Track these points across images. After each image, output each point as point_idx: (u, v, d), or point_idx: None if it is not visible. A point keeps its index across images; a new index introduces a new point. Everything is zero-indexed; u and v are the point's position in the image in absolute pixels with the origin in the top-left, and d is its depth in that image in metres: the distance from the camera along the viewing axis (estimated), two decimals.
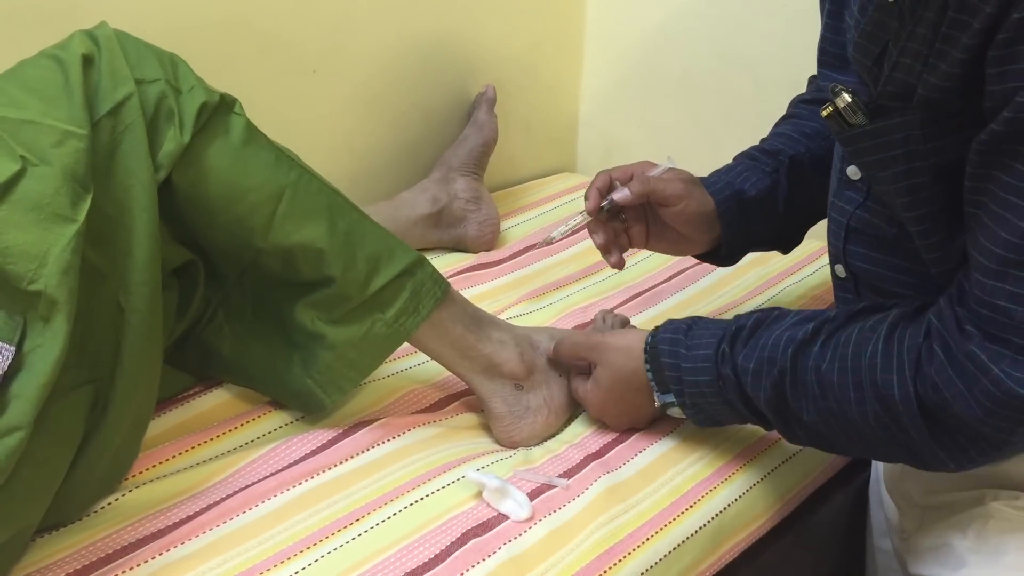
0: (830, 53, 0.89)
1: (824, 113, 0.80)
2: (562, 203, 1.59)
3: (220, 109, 0.86)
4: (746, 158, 1.06)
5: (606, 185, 1.02)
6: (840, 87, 0.78)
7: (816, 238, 1.36)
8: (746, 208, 1.02)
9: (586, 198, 1.02)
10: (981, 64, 0.67)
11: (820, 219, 1.05)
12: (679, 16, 1.59)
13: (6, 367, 0.71)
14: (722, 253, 1.06)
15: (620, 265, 1.03)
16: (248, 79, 1.22)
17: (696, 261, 1.14)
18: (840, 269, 0.93)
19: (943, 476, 0.90)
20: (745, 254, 1.09)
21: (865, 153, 0.79)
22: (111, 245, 0.80)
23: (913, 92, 0.73)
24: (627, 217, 1.03)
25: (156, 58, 0.85)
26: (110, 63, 0.82)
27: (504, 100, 1.54)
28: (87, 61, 0.81)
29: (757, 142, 1.10)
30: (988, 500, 0.87)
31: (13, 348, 0.72)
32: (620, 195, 1.00)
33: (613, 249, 1.03)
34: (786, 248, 1.12)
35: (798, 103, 1.11)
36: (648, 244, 1.05)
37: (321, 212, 0.90)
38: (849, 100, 0.78)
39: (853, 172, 0.87)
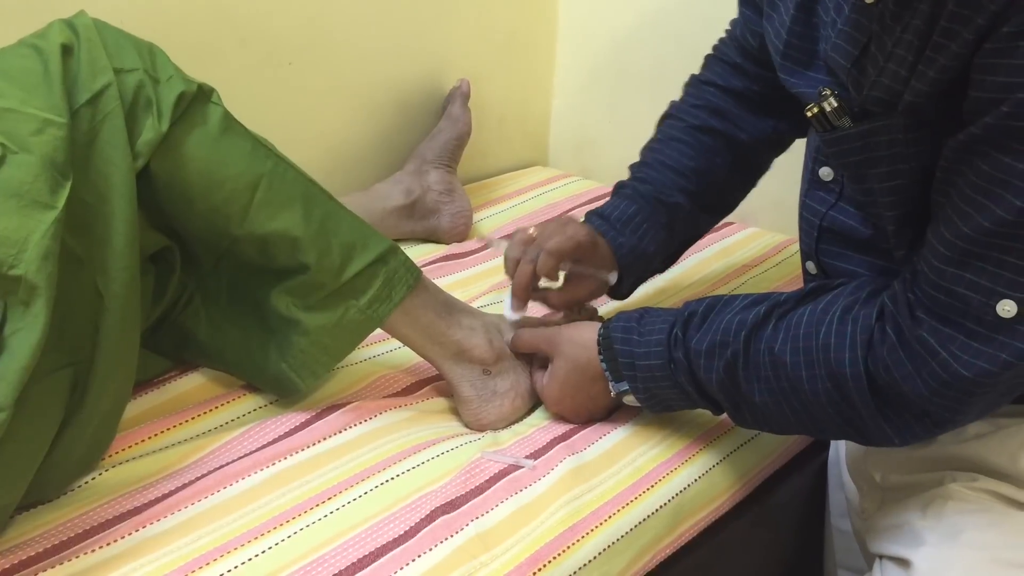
0: (796, 48, 0.90)
1: (809, 114, 0.82)
2: (534, 195, 1.62)
3: (198, 99, 0.88)
4: (644, 203, 1.08)
5: (526, 282, 1.05)
6: (828, 90, 0.81)
7: (779, 230, 1.41)
8: (644, 261, 1.10)
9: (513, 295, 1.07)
10: (967, 71, 0.70)
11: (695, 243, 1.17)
12: (650, 14, 1.62)
13: None
14: (619, 292, 1.12)
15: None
16: (225, 70, 1.24)
17: None
18: (811, 266, 0.96)
19: (904, 459, 0.94)
20: (635, 288, 1.15)
21: (849, 154, 0.82)
22: (90, 232, 0.82)
23: (899, 97, 0.75)
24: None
25: (134, 47, 0.87)
26: (89, 52, 0.84)
27: (478, 94, 1.56)
28: (66, 50, 0.83)
29: None
30: (947, 482, 0.91)
31: None
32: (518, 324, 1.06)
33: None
34: (664, 270, 1.18)
35: (686, 127, 1.11)
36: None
37: (296, 201, 0.92)
38: (836, 104, 0.80)
39: (826, 173, 0.90)
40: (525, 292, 1.05)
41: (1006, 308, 0.72)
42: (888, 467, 0.96)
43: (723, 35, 1.16)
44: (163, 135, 0.85)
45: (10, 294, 0.75)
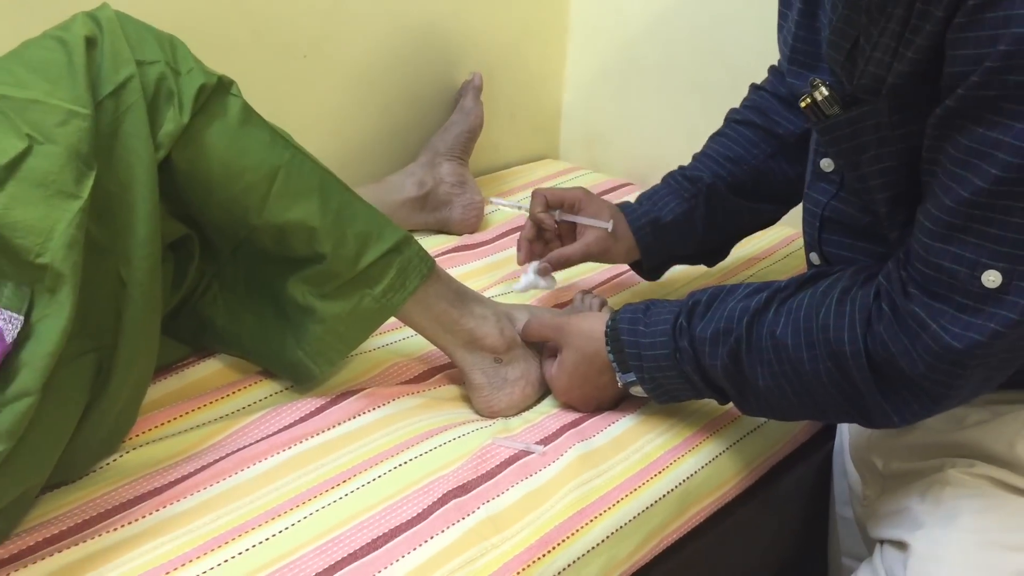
0: (802, 51, 0.95)
1: (803, 105, 0.85)
2: (546, 187, 1.63)
3: (218, 90, 0.90)
4: (672, 181, 1.17)
5: (534, 234, 1.17)
6: (819, 80, 0.83)
7: (787, 224, 1.42)
8: (661, 231, 1.14)
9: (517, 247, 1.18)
10: (941, 49, 0.73)
11: (746, 235, 1.22)
12: (660, 10, 1.64)
13: (15, 335, 0.75)
14: (644, 268, 1.19)
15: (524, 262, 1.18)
16: (241, 62, 1.25)
17: None
18: (815, 256, 0.98)
19: (905, 446, 0.96)
20: (667, 269, 1.21)
21: (841, 141, 0.84)
22: (113, 221, 0.84)
23: (883, 83, 0.78)
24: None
25: (156, 40, 0.89)
26: (112, 45, 0.86)
27: (490, 88, 1.58)
28: (90, 43, 0.85)
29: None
30: (947, 468, 0.93)
31: (22, 318, 0.76)
32: (545, 280, 1.18)
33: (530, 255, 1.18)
34: (711, 262, 1.23)
35: (730, 121, 1.19)
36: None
37: (313, 191, 0.94)
38: (826, 93, 0.83)
39: (827, 164, 0.92)
40: (527, 243, 1.17)
41: (990, 278, 0.74)
42: (889, 454, 0.98)
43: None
44: (184, 126, 0.87)
45: (37, 282, 0.78)
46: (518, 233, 1.45)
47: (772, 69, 1.20)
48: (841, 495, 1.11)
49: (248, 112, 0.93)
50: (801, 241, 1.41)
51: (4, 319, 0.75)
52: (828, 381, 0.84)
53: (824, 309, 0.84)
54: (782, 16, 1.01)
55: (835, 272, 0.88)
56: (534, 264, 1.20)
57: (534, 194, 1.17)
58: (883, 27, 0.76)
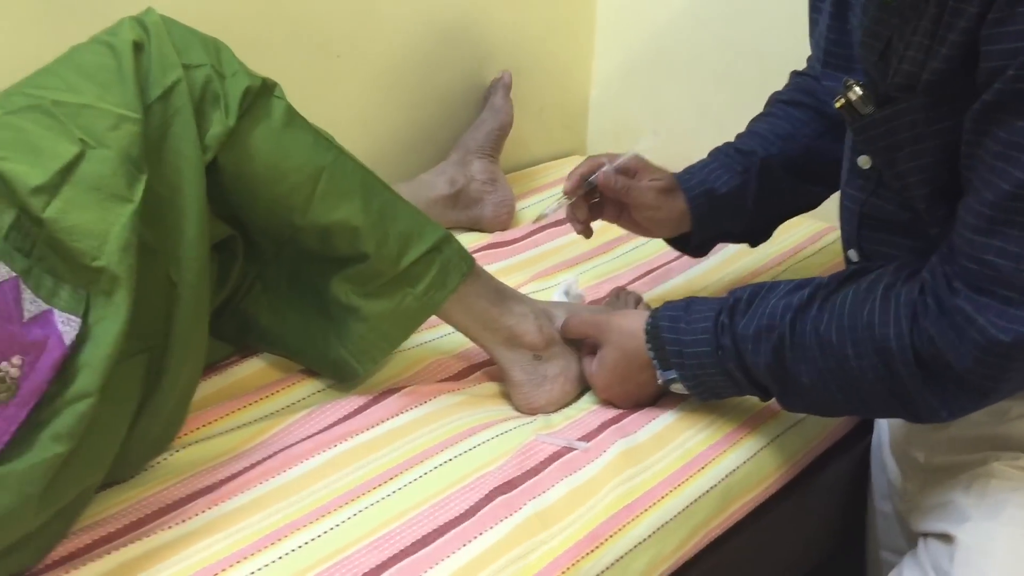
0: (835, 54, 0.95)
1: (837, 105, 0.85)
2: None
3: (262, 93, 0.91)
4: (721, 155, 1.13)
5: (591, 171, 1.08)
6: (852, 81, 0.84)
7: (820, 218, 1.42)
8: (716, 204, 1.10)
9: (568, 178, 1.10)
10: (976, 44, 0.73)
11: (790, 217, 1.18)
12: (688, 4, 1.64)
13: (74, 338, 0.76)
14: (693, 243, 1.14)
15: (588, 233, 1.12)
16: (277, 63, 1.25)
17: None
18: (853, 254, 0.98)
19: (948, 439, 0.96)
20: (714, 246, 1.18)
21: (877, 139, 0.85)
22: (162, 223, 0.85)
23: (917, 80, 0.78)
24: (601, 199, 1.11)
25: (201, 44, 0.90)
26: (159, 49, 0.87)
27: (518, 85, 1.58)
28: (137, 47, 0.86)
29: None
30: (991, 461, 0.93)
31: (79, 320, 0.77)
32: (599, 175, 1.07)
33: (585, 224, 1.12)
34: (755, 242, 1.19)
35: (776, 102, 1.18)
36: (618, 222, 1.13)
37: (356, 191, 0.95)
38: (860, 93, 0.83)
39: (864, 162, 0.92)
40: (579, 176, 1.09)
41: None
42: (931, 448, 0.98)
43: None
44: (231, 129, 0.88)
45: (93, 284, 0.79)
46: (550, 229, 1.47)
47: (809, 58, 1.20)
48: (880, 489, 1.12)
49: (292, 114, 0.94)
50: (832, 236, 1.42)
51: (63, 322, 0.76)
52: (874, 378, 0.84)
53: (868, 306, 0.84)
54: (812, 21, 1.01)
55: (877, 268, 0.88)
56: (563, 285, 1.22)
57: (589, 158, 1.11)
58: (916, 25, 0.77)
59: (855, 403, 0.88)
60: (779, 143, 1.12)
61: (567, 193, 1.07)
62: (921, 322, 0.81)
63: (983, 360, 0.78)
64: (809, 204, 1.18)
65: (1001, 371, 0.78)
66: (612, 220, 1.13)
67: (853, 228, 0.97)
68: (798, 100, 1.14)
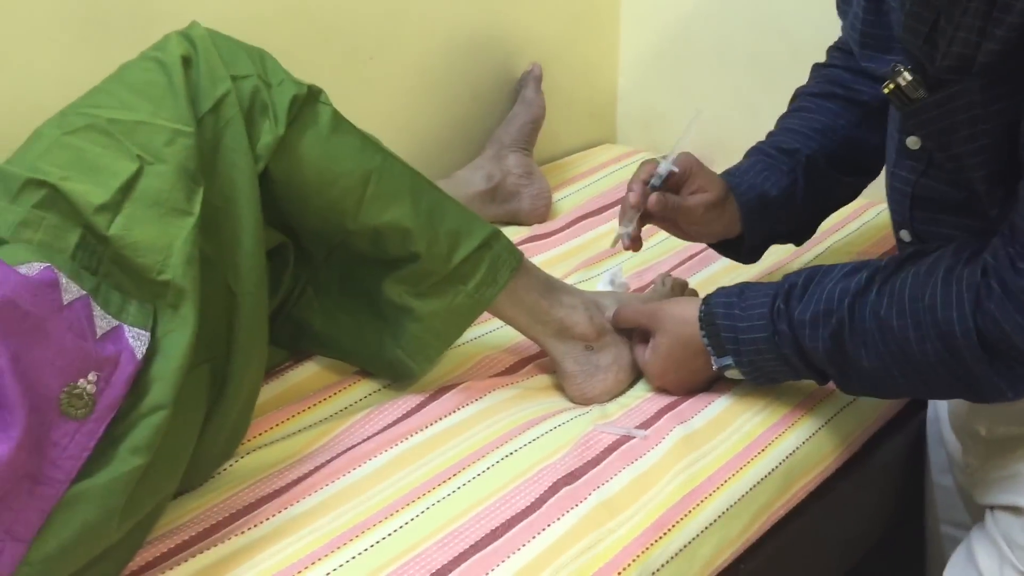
0: (873, 36, 0.93)
1: (886, 91, 0.84)
2: (607, 173, 1.64)
3: (309, 100, 0.92)
4: (763, 156, 1.10)
5: (648, 176, 1.03)
6: (900, 66, 0.82)
7: (862, 194, 1.42)
8: (769, 208, 1.07)
9: (630, 189, 1.04)
10: None
11: (833, 211, 1.15)
12: None
13: (144, 351, 0.78)
14: (744, 249, 1.11)
15: (638, 246, 1.05)
16: (311, 67, 1.26)
17: None
18: (905, 234, 0.97)
19: (1008, 409, 0.95)
20: (764, 251, 1.14)
21: (930, 123, 0.84)
22: (219, 234, 0.87)
23: (971, 62, 0.77)
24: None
25: (247, 54, 0.91)
26: (207, 62, 0.88)
27: (546, 77, 1.59)
28: (186, 62, 0.87)
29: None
30: None
31: (148, 334, 0.79)
32: (651, 199, 1.01)
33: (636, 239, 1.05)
34: (800, 241, 1.17)
35: (804, 95, 1.14)
36: (665, 230, 1.09)
37: (405, 193, 0.96)
38: (910, 78, 0.82)
39: (913, 143, 0.91)
40: (640, 188, 1.03)
41: None
42: (994, 420, 0.97)
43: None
44: (280, 138, 0.90)
45: (159, 298, 0.80)
46: (590, 219, 1.47)
47: (832, 48, 1.18)
48: (939, 463, 1.12)
49: (338, 119, 0.95)
50: (873, 211, 1.42)
51: (133, 336, 0.77)
52: (936, 361, 0.84)
53: (929, 289, 0.84)
54: (844, 2, 1.00)
55: (935, 251, 0.88)
56: (607, 275, 1.22)
57: (644, 163, 1.06)
58: (966, 6, 0.76)
59: (918, 385, 0.88)
60: (818, 138, 1.10)
61: (635, 206, 1.02)
62: (985, 304, 0.81)
63: None
64: (852, 195, 1.17)
65: None
66: (660, 227, 1.10)
67: (905, 209, 0.96)
68: (828, 92, 1.12)
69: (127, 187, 0.81)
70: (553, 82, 1.64)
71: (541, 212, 1.49)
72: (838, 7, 1.02)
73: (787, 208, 1.09)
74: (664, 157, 1.03)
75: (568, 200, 1.55)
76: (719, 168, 1.10)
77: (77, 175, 0.80)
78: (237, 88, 0.88)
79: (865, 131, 1.10)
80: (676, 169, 1.02)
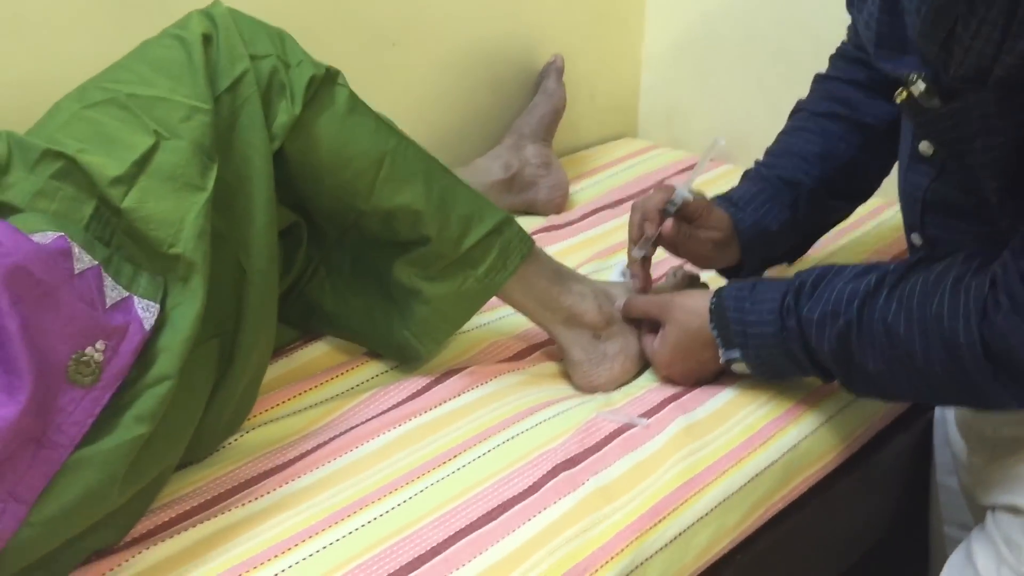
0: (889, 36, 0.91)
1: (898, 99, 0.84)
2: (626, 167, 1.65)
3: (326, 81, 0.93)
4: (766, 184, 1.11)
5: (664, 201, 1.06)
6: (915, 75, 0.82)
7: (877, 195, 1.41)
8: (768, 240, 1.10)
9: (644, 216, 1.07)
10: None
11: (827, 232, 1.17)
12: None
13: (153, 323, 0.79)
14: (743, 274, 1.13)
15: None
16: (333, 52, 1.27)
17: None
18: (916, 237, 0.97)
19: (1015, 411, 0.95)
20: (763, 272, 1.17)
21: (944, 133, 0.83)
22: (232, 210, 0.88)
23: (987, 74, 0.76)
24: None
25: (267, 34, 0.92)
26: (227, 41, 0.89)
27: (569, 69, 1.59)
28: (206, 40, 0.88)
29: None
30: None
31: (158, 305, 0.80)
32: (665, 226, 1.06)
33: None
34: (792, 260, 1.18)
35: (807, 114, 1.14)
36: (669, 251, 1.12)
37: (418, 176, 0.97)
38: (923, 88, 0.81)
39: (926, 148, 0.91)
40: (635, 230, 1.09)
41: None
42: (1000, 420, 0.97)
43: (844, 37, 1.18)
44: (296, 117, 0.91)
45: (170, 271, 0.82)
46: (605, 211, 1.48)
47: (835, 57, 1.17)
48: (944, 464, 1.11)
49: (355, 101, 0.96)
50: (889, 212, 1.41)
51: (142, 308, 0.79)
52: (941, 370, 0.84)
53: (937, 298, 0.84)
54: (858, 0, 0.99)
55: (945, 258, 0.87)
56: (619, 266, 1.22)
57: (661, 187, 1.09)
58: (984, 15, 0.74)
59: (923, 391, 0.88)
60: (819, 164, 1.10)
61: (650, 236, 1.07)
62: (992, 317, 0.80)
63: None
64: (846, 216, 1.19)
65: None
66: (666, 250, 1.12)
67: (916, 214, 0.96)
68: (831, 112, 1.11)
69: (143, 161, 0.82)
70: (576, 74, 1.65)
71: (558, 203, 1.49)
72: (848, 4, 1.01)
73: (785, 238, 1.12)
74: (680, 185, 1.06)
75: (586, 192, 1.55)
76: (729, 183, 1.12)
77: (94, 148, 0.81)
78: (256, 68, 0.89)
79: (866, 155, 1.10)
80: (691, 197, 1.05)
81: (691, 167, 1.24)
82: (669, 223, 1.05)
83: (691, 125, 1.80)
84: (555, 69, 1.55)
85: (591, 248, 1.37)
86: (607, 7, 1.71)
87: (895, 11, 0.90)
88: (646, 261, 1.09)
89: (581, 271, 1.27)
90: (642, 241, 1.07)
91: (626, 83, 1.82)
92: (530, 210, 1.49)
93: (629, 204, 1.44)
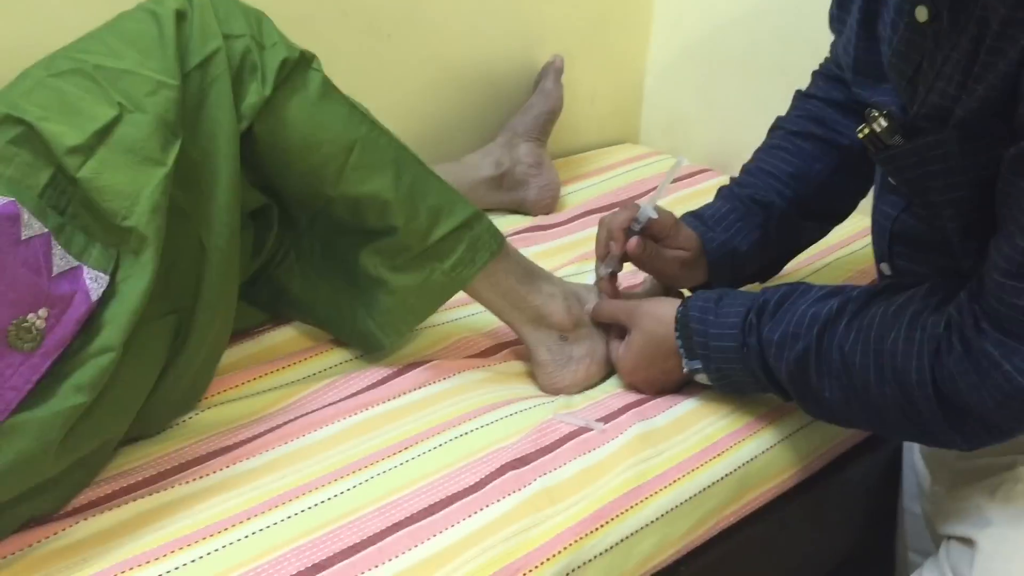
0: (866, 62, 0.92)
1: (860, 135, 0.83)
2: (622, 172, 1.64)
3: (300, 64, 0.93)
4: (737, 203, 1.10)
5: (629, 221, 1.06)
6: (875, 111, 0.81)
7: (865, 213, 1.40)
8: (737, 261, 1.09)
9: (610, 235, 1.07)
10: (1016, 87, 0.71)
11: (800, 253, 1.16)
12: None
13: (100, 294, 0.79)
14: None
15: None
16: (328, 40, 1.28)
17: None
18: (885, 267, 0.97)
19: None
20: None
21: (905, 171, 0.82)
22: (196, 187, 0.87)
23: (949, 113, 0.76)
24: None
25: (243, 14, 0.92)
26: (201, 18, 0.89)
27: (571, 70, 1.59)
28: (180, 16, 0.88)
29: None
30: (1018, 465, 0.91)
31: (107, 277, 0.80)
32: (630, 243, 1.04)
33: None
34: (765, 280, 1.17)
35: (784, 132, 1.13)
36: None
37: (388, 165, 0.96)
38: (885, 125, 0.81)
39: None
40: (601, 248, 1.09)
41: None
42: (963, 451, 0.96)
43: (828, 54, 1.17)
44: (267, 99, 0.90)
45: (122, 243, 0.81)
46: (593, 215, 1.47)
47: (817, 74, 1.16)
48: (910, 490, 1.10)
49: (328, 86, 0.95)
50: (866, 240, 1.39)
51: (91, 278, 0.79)
52: (893, 405, 0.83)
53: (894, 332, 0.83)
54: (839, 20, 0.98)
55: (908, 288, 0.86)
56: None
57: (627, 206, 1.09)
58: (947, 55, 0.75)
59: (875, 423, 0.88)
60: (792, 184, 1.09)
61: (615, 255, 1.07)
62: (944, 360, 0.80)
63: (1006, 404, 0.77)
64: (820, 237, 1.17)
65: None
66: (637, 266, 1.11)
67: (884, 243, 0.96)
68: (808, 131, 1.10)
69: (104, 132, 0.81)
70: (578, 75, 1.64)
71: (547, 204, 1.48)
72: (831, 22, 1.00)
73: (755, 258, 1.11)
74: (644, 203, 1.05)
75: (578, 195, 1.54)
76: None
77: (56, 116, 0.81)
78: (228, 47, 0.89)
79: (841, 176, 1.09)
80: (656, 216, 1.05)
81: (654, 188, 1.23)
82: (634, 241, 1.04)
83: (692, 134, 1.79)
84: (554, 70, 1.55)
85: (575, 251, 1.36)
86: (612, 11, 1.70)
87: (872, 37, 0.90)
88: (613, 276, 1.08)
89: (562, 273, 1.27)
90: (608, 259, 1.07)
91: (629, 88, 1.81)
92: (519, 209, 1.48)
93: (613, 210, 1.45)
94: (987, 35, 0.71)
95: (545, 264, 1.26)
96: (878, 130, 0.81)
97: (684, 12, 1.73)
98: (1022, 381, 0.75)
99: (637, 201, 1.06)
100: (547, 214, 1.48)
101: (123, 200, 0.81)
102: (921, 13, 0.77)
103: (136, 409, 0.85)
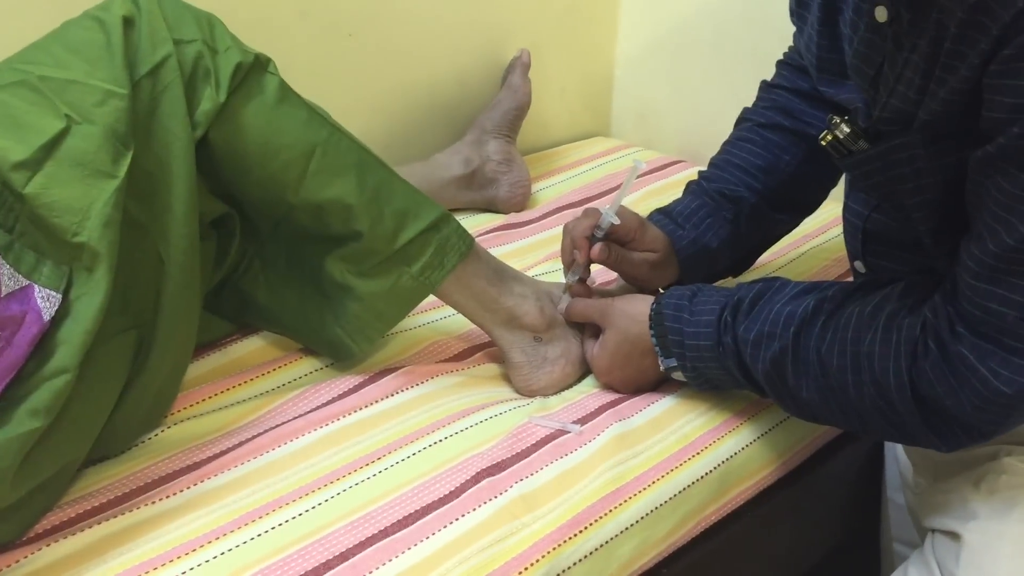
0: (828, 60, 0.91)
1: (823, 142, 0.82)
2: (595, 166, 1.62)
3: (255, 69, 0.90)
4: (707, 199, 1.08)
5: (592, 227, 1.04)
6: (836, 118, 0.80)
7: (837, 200, 1.38)
8: (710, 258, 1.08)
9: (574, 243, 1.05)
10: (979, 90, 0.70)
11: (771, 246, 1.15)
12: None
13: (53, 313, 0.76)
14: None
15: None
16: (286, 42, 1.26)
17: None
18: (859, 265, 0.96)
19: None
20: None
21: (873, 175, 0.81)
22: (151, 200, 0.85)
23: (912, 117, 0.75)
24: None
25: (194, 18, 0.89)
26: (149, 24, 0.86)
27: (539, 64, 1.57)
28: (128, 23, 0.85)
29: None
30: (1002, 455, 0.90)
31: (60, 296, 0.77)
32: (594, 249, 1.02)
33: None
34: (737, 274, 1.15)
35: (752, 124, 1.10)
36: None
37: (350, 169, 0.94)
38: (848, 131, 0.80)
39: None
40: (566, 255, 1.07)
41: None
42: None
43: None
44: (221, 105, 0.88)
45: (75, 260, 0.79)
46: (565, 211, 1.45)
47: (782, 64, 1.14)
48: (892, 480, 1.09)
49: (285, 90, 0.93)
50: (837, 229, 1.38)
51: (43, 297, 0.76)
52: (871, 406, 0.82)
53: (870, 334, 0.82)
54: (799, 18, 0.97)
55: (883, 287, 0.85)
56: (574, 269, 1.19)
57: (588, 211, 1.06)
58: (907, 57, 0.74)
59: (853, 423, 0.87)
60: (762, 177, 1.07)
61: (580, 263, 1.04)
62: (921, 363, 0.79)
63: (984, 408, 0.76)
64: (793, 228, 1.15)
65: (1002, 418, 0.77)
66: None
67: (857, 242, 0.95)
68: (776, 123, 1.08)
69: (50, 145, 0.79)
70: (546, 69, 1.62)
71: (518, 201, 1.46)
72: (791, 14, 0.98)
73: (727, 254, 1.09)
74: (606, 209, 1.03)
75: (549, 191, 1.52)
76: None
77: (1, 131, 0.79)
78: (180, 52, 0.87)
79: (810, 167, 1.07)
80: (617, 221, 1.03)
81: (618, 186, 1.21)
82: (597, 248, 1.02)
83: (665, 125, 1.77)
84: (521, 64, 1.53)
85: (547, 249, 1.34)
86: (579, 1, 1.68)
87: (833, 36, 0.89)
88: (582, 282, 1.06)
89: (534, 272, 1.25)
90: (574, 267, 1.05)
91: (598, 81, 1.79)
92: (490, 207, 1.46)
93: (591, 204, 1.43)
94: (945, 38, 0.70)
95: (517, 263, 1.25)
96: (841, 136, 0.80)
97: (651, 2, 1.71)
98: (998, 384, 0.74)
99: (599, 207, 1.04)
100: (519, 211, 1.47)
101: (73, 215, 0.78)
102: (880, 13, 0.76)
103: (97, 430, 0.83)
